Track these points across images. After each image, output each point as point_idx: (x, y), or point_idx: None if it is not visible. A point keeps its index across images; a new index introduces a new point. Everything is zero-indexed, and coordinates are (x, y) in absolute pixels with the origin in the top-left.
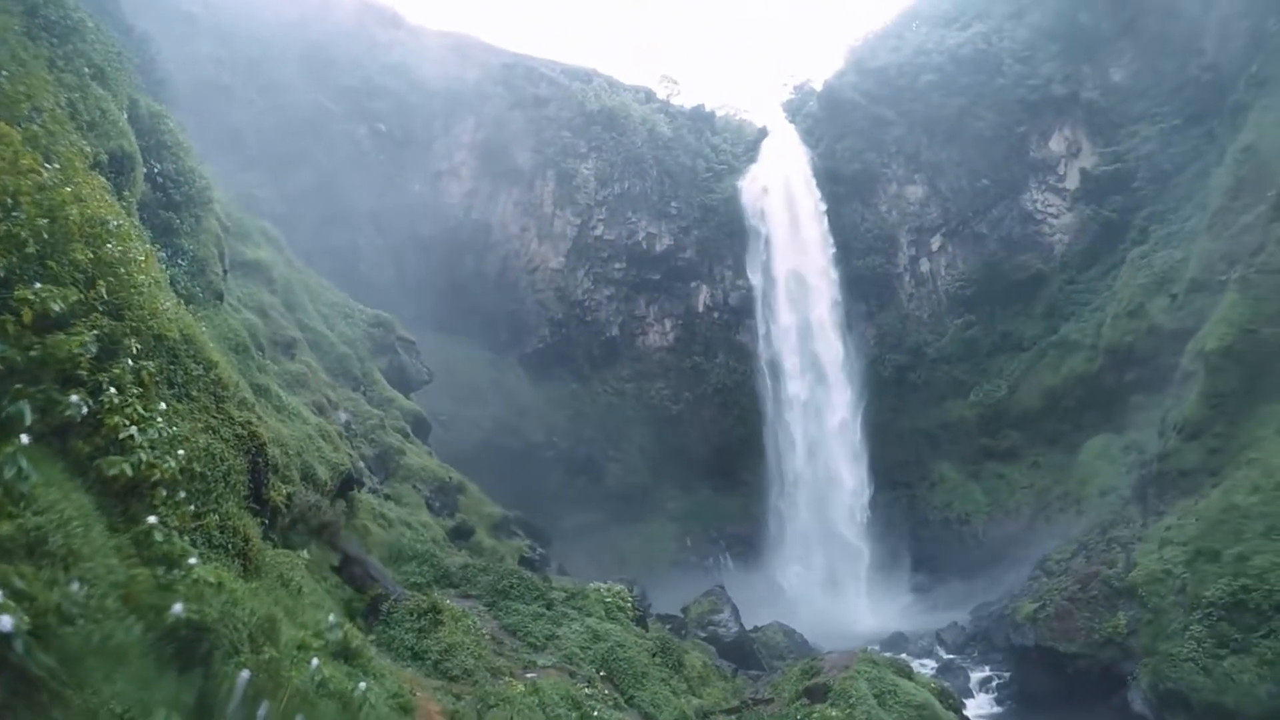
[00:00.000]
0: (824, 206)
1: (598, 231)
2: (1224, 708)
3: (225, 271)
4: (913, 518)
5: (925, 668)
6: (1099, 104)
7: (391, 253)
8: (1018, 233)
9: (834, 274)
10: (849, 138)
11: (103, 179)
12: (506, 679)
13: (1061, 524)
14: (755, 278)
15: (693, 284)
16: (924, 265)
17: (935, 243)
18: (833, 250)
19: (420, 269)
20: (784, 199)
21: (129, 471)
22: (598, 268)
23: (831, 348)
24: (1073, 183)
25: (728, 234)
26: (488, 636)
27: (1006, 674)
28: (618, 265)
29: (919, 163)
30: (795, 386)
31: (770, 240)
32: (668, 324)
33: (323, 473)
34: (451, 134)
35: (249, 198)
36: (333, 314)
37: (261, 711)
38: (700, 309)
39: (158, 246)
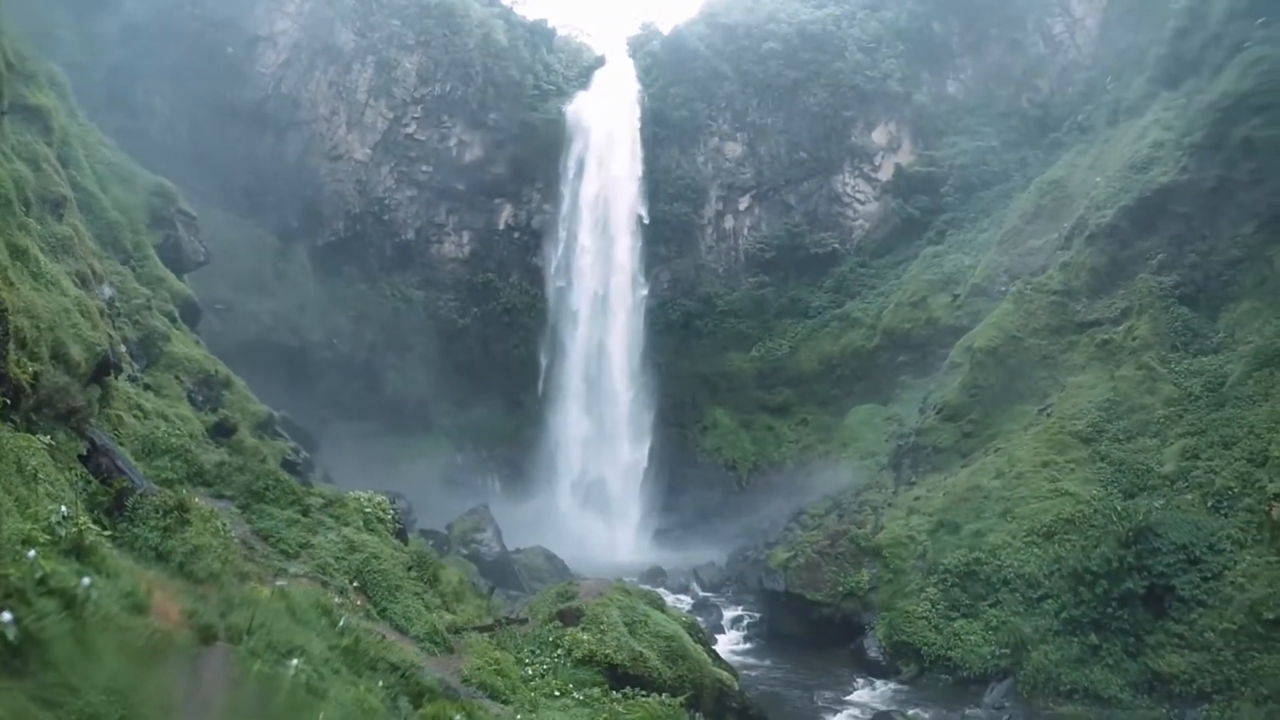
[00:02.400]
0: (642, 147)
1: (410, 129)
2: (951, 661)
3: (2, 114)
4: (682, 458)
5: (681, 603)
6: (929, 109)
7: (189, 117)
8: (823, 211)
9: (640, 214)
10: (683, 84)
11: None
12: (254, 584)
13: (820, 481)
14: (562, 204)
15: (497, 200)
16: (729, 222)
17: (744, 203)
18: (642, 191)
19: (216, 139)
20: (606, 132)
21: None
22: (404, 167)
23: (625, 285)
24: (886, 175)
25: (543, 156)
26: (238, 540)
27: (757, 614)
28: (425, 168)
29: (744, 123)
30: (583, 318)
31: (584, 170)
32: (465, 236)
33: (77, 353)
34: None
35: (46, 37)
36: (109, 175)
37: None
38: (501, 226)
39: None
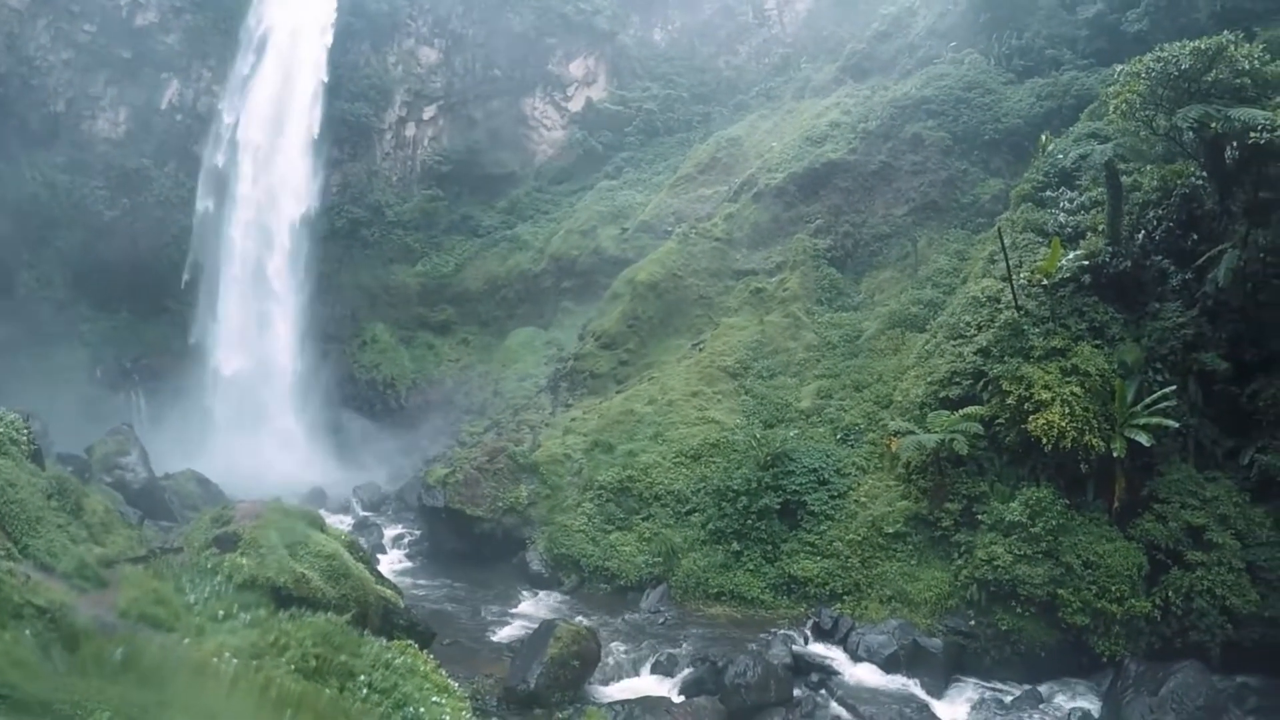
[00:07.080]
0: (332, 36)
1: None
2: (609, 570)
3: None
4: (340, 374)
5: (342, 523)
6: (631, 51)
7: None
8: (508, 131)
9: (317, 110)
10: None
11: None
12: None
13: (479, 400)
14: (232, 87)
15: (164, 75)
16: (410, 130)
17: (429, 112)
18: (324, 84)
19: None
20: (294, 13)
21: None
22: (64, 23)
23: (291, 185)
24: (576, 106)
25: (222, 32)
26: None
27: (418, 532)
28: (88, 27)
29: (445, 30)
30: (244, 217)
31: (264, 52)
32: (123, 114)
33: None
34: None
35: None
36: None
37: None
38: (164, 105)
39: None
